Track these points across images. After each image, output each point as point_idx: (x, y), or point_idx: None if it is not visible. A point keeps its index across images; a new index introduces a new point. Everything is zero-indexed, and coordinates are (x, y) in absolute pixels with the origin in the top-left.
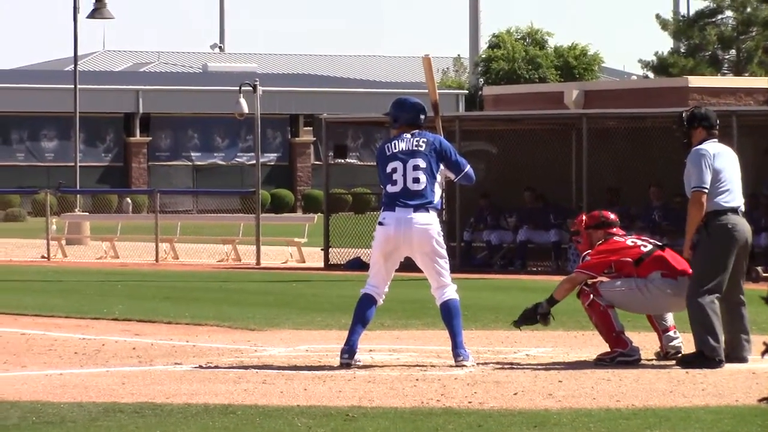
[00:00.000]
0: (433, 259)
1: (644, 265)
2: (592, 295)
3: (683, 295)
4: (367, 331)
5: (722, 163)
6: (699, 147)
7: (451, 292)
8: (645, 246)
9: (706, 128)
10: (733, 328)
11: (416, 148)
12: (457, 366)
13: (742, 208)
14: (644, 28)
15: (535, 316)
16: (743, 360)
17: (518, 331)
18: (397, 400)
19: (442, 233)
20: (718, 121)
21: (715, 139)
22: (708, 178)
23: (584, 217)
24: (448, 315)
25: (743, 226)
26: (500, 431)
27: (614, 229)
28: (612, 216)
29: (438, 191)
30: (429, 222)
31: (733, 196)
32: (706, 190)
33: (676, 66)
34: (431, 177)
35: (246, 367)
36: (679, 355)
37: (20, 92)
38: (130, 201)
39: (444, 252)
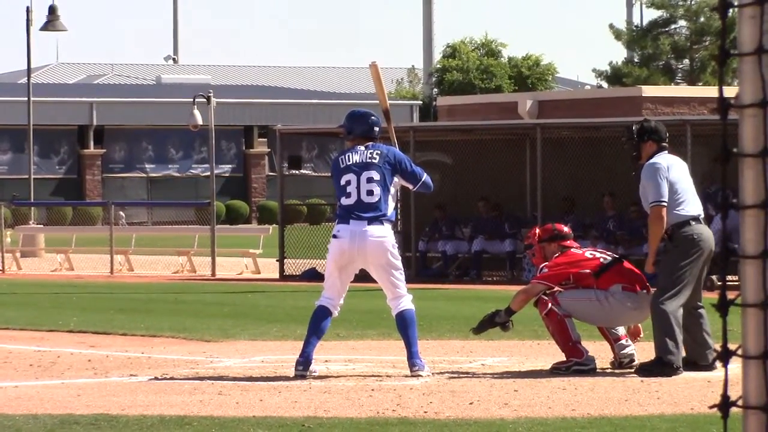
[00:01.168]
0: (388, 271)
1: (604, 278)
2: (550, 304)
3: (642, 308)
4: (322, 341)
5: (676, 174)
6: (652, 161)
7: (406, 303)
8: (604, 258)
9: (656, 141)
10: (695, 334)
11: (370, 161)
12: (412, 376)
13: (702, 215)
14: (598, 38)
15: (492, 324)
16: (707, 365)
17: (474, 341)
18: (353, 410)
19: (396, 245)
20: (667, 134)
21: (666, 151)
22: (665, 191)
23: (537, 231)
24: (404, 325)
25: (707, 235)
26: None
27: (568, 242)
28: (565, 229)
29: (392, 203)
30: (383, 234)
31: (693, 205)
32: (665, 204)
33: (630, 75)
34: (385, 189)
35: (202, 379)
36: (634, 363)
37: None
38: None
39: (399, 263)
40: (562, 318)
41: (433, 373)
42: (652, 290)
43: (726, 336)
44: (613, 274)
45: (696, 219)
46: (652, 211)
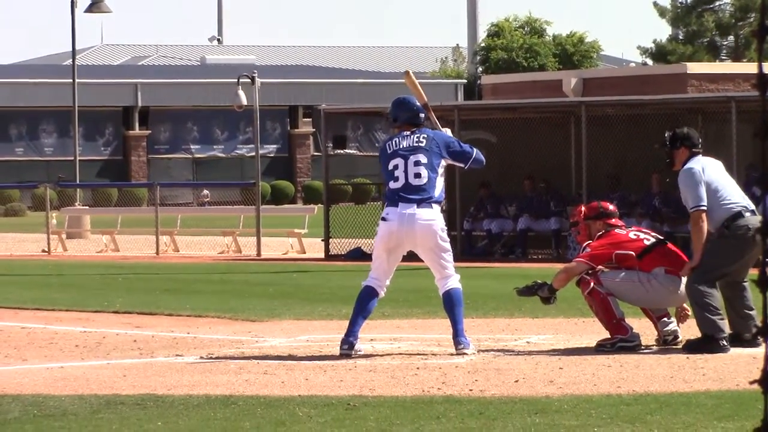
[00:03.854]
0: (437, 254)
1: (647, 260)
2: (592, 283)
3: (681, 291)
4: (368, 320)
5: (712, 173)
6: (687, 167)
7: (454, 282)
8: (648, 240)
9: (689, 147)
10: (738, 308)
11: (417, 145)
12: (458, 354)
13: (753, 207)
14: (642, 16)
15: (533, 293)
16: (750, 339)
17: (519, 319)
18: (399, 388)
19: (445, 228)
20: (700, 140)
21: (699, 156)
22: (703, 194)
23: (583, 209)
24: (450, 303)
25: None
26: (501, 419)
27: (613, 220)
28: (611, 207)
29: (440, 185)
30: (432, 217)
31: (739, 198)
32: (705, 208)
33: (675, 53)
34: (433, 172)
35: (247, 358)
36: (678, 339)
37: (19, 87)
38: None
39: (448, 245)
40: (605, 296)
41: (478, 351)
42: None
43: (767, 312)
44: (657, 256)
45: (749, 211)
46: (692, 216)
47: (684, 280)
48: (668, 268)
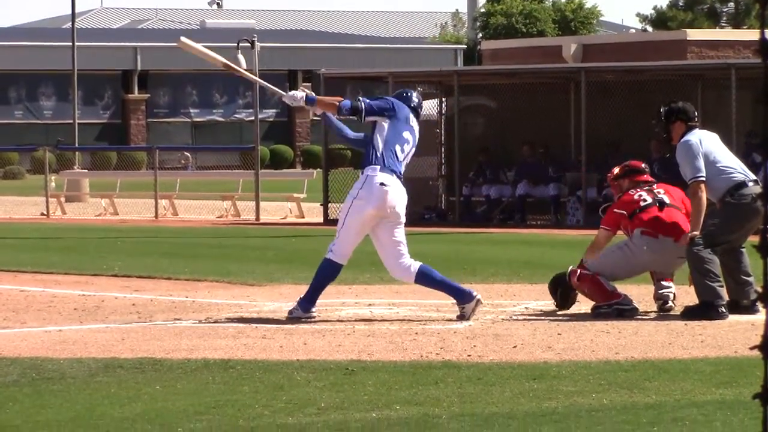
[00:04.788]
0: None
1: (634, 221)
2: (579, 270)
3: (664, 255)
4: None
5: (709, 145)
6: (684, 140)
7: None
8: (644, 201)
9: (684, 121)
10: (735, 274)
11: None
12: (460, 317)
13: (754, 177)
14: None
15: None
16: (748, 306)
17: (517, 285)
18: (397, 353)
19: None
20: (696, 113)
21: (696, 129)
22: (702, 165)
23: (616, 169)
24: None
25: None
26: (499, 384)
27: (643, 177)
28: (642, 165)
29: (375, 150)
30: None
31: (739, 168)
32: (703, 178)
33: (675, 19)
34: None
35: (246, 322)
36: (667, 305)
37: (18, 50)
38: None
39: (342, 215)
40: (593, 276)
41: (476, 317)
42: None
43: (767, 278)
44: (639, 217)
45: (752, 180)
46: (691, 187)
47: (663, 242)
48: (644, 229)
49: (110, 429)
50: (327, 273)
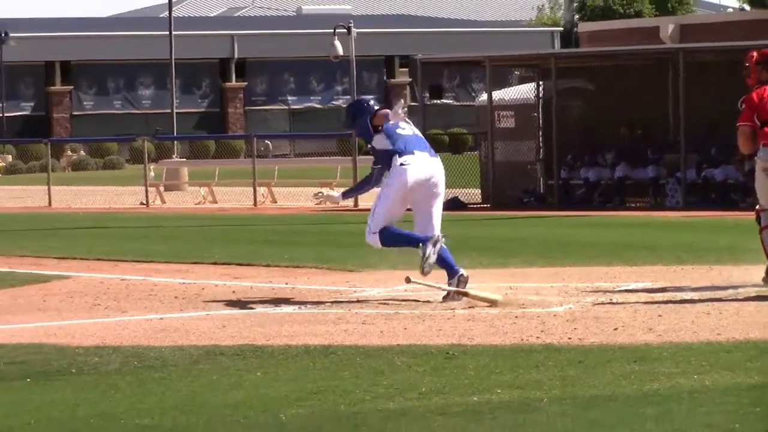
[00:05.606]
0: None
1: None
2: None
3: None
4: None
5: None
6: None
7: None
8: None
9: None
10: None
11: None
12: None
13: None
14: None
15: None
16: None
17: (617, 267)
18: (497, 337)
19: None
20: None
21: None
22: None
23: (755, 53)
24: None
25: None
26: (600, 367)
27: None
28: None
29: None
30: None
31: None
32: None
33: None
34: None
35: (345, 308)
36: None
37: (116, 40)
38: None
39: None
40: None
41: (576, 300)
42: None
43: None
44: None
45: None
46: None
47: None
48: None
49: (212, 416)
50: (400, 237)
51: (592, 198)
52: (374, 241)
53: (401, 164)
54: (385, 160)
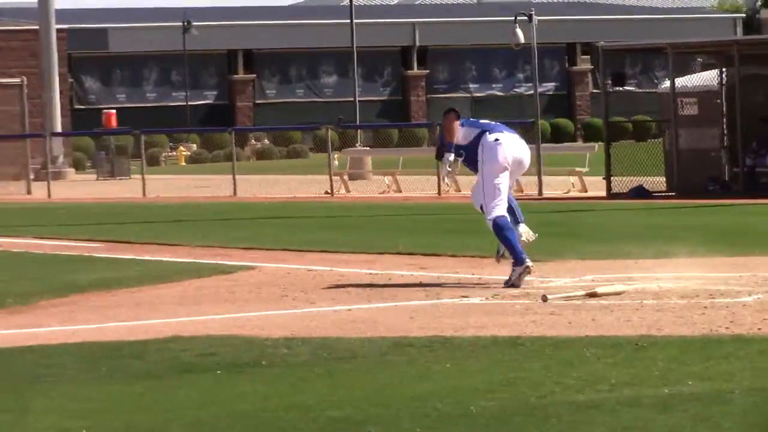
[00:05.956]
0: None
1: None
2: None
3: None
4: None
5: None
6: None
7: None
8: None
9: None
10: None
11: None
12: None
13: None
14: None
15: None
16: None
17: None
18: (686, 328)
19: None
20: None
21: None
22: None
23: None
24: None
25: None
26: None
27: None
28: None
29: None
30: None
31: None
32: None
33: None
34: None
35: (532, 299)
36: None
37: (298, 28)
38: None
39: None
40: None
41: (759, 294)
42: None
43: None
44: None
45: None
46: None
47: None
48: None
49: (401, 407)
50: (507, 239)
51: None
52: (491, 225)
53: (495, 140)
54: (471, 155)
